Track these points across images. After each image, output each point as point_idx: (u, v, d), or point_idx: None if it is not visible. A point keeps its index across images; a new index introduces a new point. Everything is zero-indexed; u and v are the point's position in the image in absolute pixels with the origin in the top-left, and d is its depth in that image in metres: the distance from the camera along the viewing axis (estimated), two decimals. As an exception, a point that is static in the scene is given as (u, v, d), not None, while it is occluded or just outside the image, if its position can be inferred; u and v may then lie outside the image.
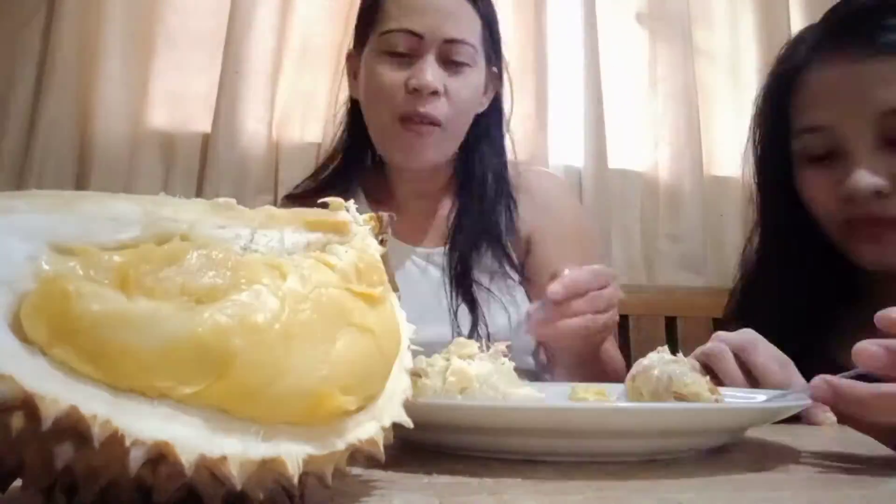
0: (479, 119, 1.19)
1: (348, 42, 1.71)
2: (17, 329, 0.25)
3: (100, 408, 0.25)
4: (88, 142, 1.62)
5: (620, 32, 1.85)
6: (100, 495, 0.26)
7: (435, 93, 1.08)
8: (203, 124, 1.67)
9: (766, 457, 0.50)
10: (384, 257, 0.38)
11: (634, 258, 1.77)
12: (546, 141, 1.74)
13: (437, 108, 1.09)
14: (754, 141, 1.01)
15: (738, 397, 0.60)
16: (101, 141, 1.61)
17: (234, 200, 0.35)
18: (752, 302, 0.99)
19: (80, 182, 1.60)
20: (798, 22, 1.83)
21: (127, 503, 0.27)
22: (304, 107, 1.72)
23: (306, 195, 1.24)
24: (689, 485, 0.40)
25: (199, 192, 1.64)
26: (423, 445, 0.47)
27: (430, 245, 1.20)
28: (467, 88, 1.13)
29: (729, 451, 0.50)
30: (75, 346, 0.26)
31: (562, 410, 0.47)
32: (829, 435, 0.62)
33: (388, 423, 0.33)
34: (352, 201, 0.40)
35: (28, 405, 0.24)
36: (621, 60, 1.84)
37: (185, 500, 0.27)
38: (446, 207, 1.21)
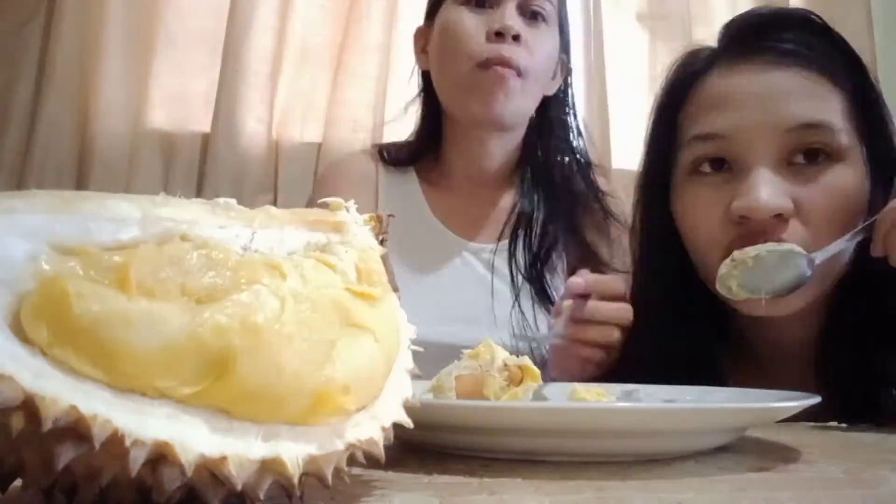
0: (548, 104, 1.17)
1: (348, 42, 1.72)
2: (18, 329, 0.25)
3: (100, 408, 0.25)
4: (88, 142, 1.62)
5: (621, 32, 1.85)
6: (100, 495, 0.26)
7: (517, 38, 1.07)
8: (203, 124, 1.67)
9: (766, 457, 0.50)
10: (384, 257, 0.38)
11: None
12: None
13: (518, 55, 1.07)
14: (644, 162, 0.90)
15: (738, 397, 0.60)
16: (101, 141, 1.61)
17: (234, 200, 0.35)
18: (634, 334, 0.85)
19: (80, 182, 1.60)
20: (798, 22, 1.84)
21: (127, 503, 0.27)
22: (304, 107, 1.72)
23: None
24: (689, 485, 0.40)
25: (199, 192, 1.64)
26: (423, 445, 0.47)
27: (485, 240, 1.15)
28: (545, 43, 1.12)
29: (729, 451, 0.50)
30: (75, 346, 0.25)
31: (562, 410, 0.47)
32: (829, 435, 0.62)
33: (388, 423, 0.33)
34: (352, 201, 0.40)
35: (28, 405, 0.24)
36: (622, 60, 1.84)
37: (185, 501, 0.27)
38: (504, 201, 1.17)
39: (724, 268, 0.72)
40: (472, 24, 1.09)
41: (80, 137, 1.62)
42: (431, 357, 1.18)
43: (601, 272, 1.02)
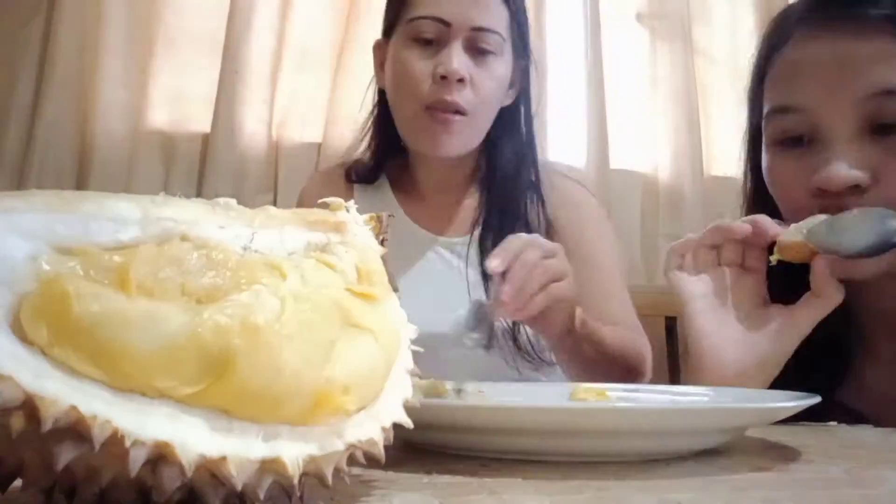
0: (504, 112, 1.20)
1: (348, 42, 1.72)
2: (18, 329, 0.25)
3: (100, 408, 0.25)
4: (88, 142, 1.62)
5: (621, 32, 1.85)
6: (100, 496, 0.26)
7: (462, 80, 1.09)
8: (203, 124, 1.67)
9: (766, 457, 0.50)
10: (384, 257, 0.38)
11: (634, 258, 1.77)
12: (547, 141, 1.74)
13: (463, 97, 1.10)
14: (746, 128, 0.91)
15: (738, 397, 0.60)
16: (101, 141, 1.61)
17: (234, 200, 0.35)
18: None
19: (80, 182, 1.60)
20: (798, 22, 1.84)
21: (127, 503, 0.27)
22: (303, 107, 1.72)
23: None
24: (689, 485, 0.39)
25: (199, 192, 1.64)
26: (423, 445, 0.47)
27: (454, 235, 1.21)
28: (493, 79, 1.13)
29: (729, 451, 0.50)
30: (75, 346, 0.25)
31: (562, 410, 0.47)
32: (830, 435, 0.62)
33: (388, 423, 0.33)
34: (352, 201, 0.40)
35: (28, 406, 0.24)
36: (621, 60, 1.84)
37: (185, 501, 0.27)
38: (470, 198, 1.22)
39: (806, 223, 0.72)
40: (418, 66, 1.11)
41: (80, 137, 1.62)
42: (426, 345, 1.20)
43: None
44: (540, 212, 1.19)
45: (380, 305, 0.34)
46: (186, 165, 1.67)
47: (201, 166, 1.67)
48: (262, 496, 0.28)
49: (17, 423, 0.24)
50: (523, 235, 0.96)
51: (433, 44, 1.11)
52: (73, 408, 0.24)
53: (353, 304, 0.32)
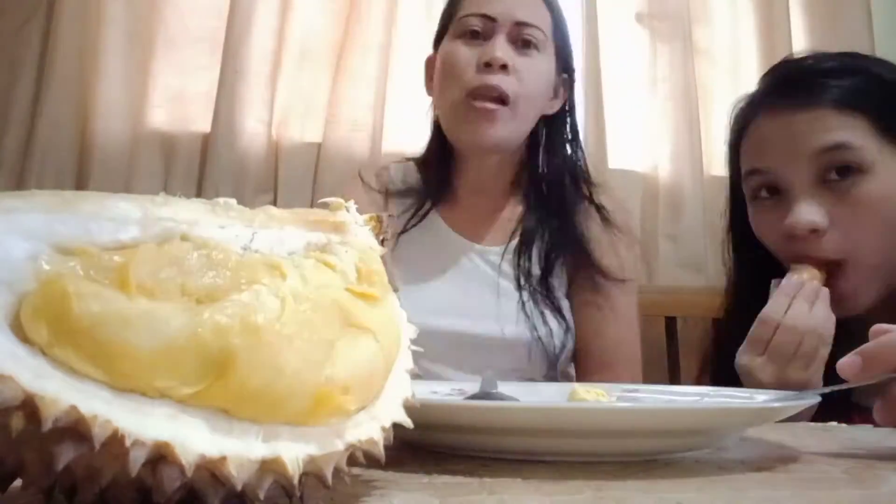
0: (549, 122, 1.23)
1: (348, 42, 1.72)
2: (18, 329, 0.25)
3: (100, 408, 0.25)
4: (88, 142, 1.62)
5: (620, 32, 1.84)
6: (100, 496, 0.26)
7: (504, 67, 1.13)
8: (203, 124, 1.67)
9: (766, 457, 0.50)
10: (384, 257, 0.38)
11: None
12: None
13: (505, 83, 1.13)
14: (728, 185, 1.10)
15: (738, 397, 0.60)
16: (101, 141, 1.61)
17: (234, 200, 0.35)
18: (731, 336, 0.99)
19: (80, 182, 1.60)
20: (798, 22, 1.83)
21: (127, 503, 0.27)
22: (304, 107, 1.72)
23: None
24: (689, 485, 0.39)
25: (199, 192, 1.64)
26: (423, 445, 0.47)
27: (490, 244, 1.22)
28: (535, 70, 1.17)
29: (729, 451, 0.50)
30: (75, 346, 0.26)
31: (562, 410, 0.47)
32: (830, 435, 0.62)
33: (387, 423, 0.33)
34: (352, 201, 0.40)
35: (28, 405, 0.24)
36: (621, 60, 1.83)
37: (185, 501, 0.27)
38: (509, 210, 1.24)
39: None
40: (465, 56, 1.16)
41: (80, 137, 1.62)
42: (441, 344, 1.22)
43: (596, 277, 1.16)
44: (594, 225, 1.21)
45: (380, 305, 0.34)
46: (186, 165, 1.67)
47: (201, 166, 1.67)
48: (262, 496, 0.28)
49: (17, 423, 0.24)
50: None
51: (479, 37, 1.17)
52: (74, 407, 0.24)
53: (354, 305, 0.33)
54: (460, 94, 1.14)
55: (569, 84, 1.26)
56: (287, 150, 1.70)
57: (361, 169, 1.34)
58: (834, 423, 0.68)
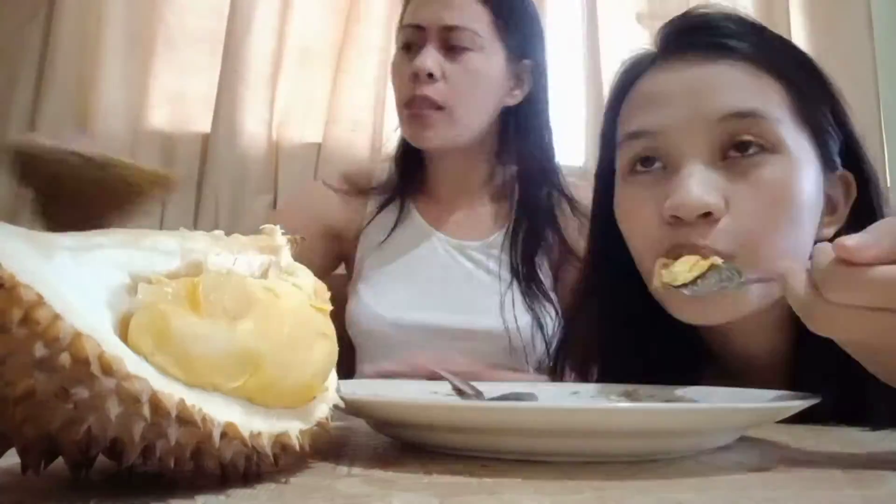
0: (512, 113, 1.23)
1: (348, 42, 1.72)
2: (122, 339, 0.33)
3: (192, 399, 0.33)
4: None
5: (620, 32, 1.85)
6: (191, 461, 0.34)
7: (431, 76, 1.15)
8: (203, 124, 1.67)
9: (766, 457, 0.50)
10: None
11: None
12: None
13: (435, 91, 1.16)
14: (595, 170, 0.86)
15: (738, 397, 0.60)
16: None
17: (221, 232, 0.41)
18: (575, 335, 0.88)
19: (80, 182, 1.60)
20: (798, 21, 1.83)
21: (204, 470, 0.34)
22: (304, 107, 1.73)
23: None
24: (689, 485, 0.40)
25: (199, 192, 1.64)
26: (423, 445, 0.47)
27: (469, 239, 1.24)
28: (468, 72, 1.17)
29: (729, 451, 0.50)
30: (170, 354, 0.33)
31: (562, 410, 0.47)
32: (829, 435, 0.62)
33: (331, 404, 0.43)
34: (279, 226, 0.45)
35: (154, 400, 0.31)
36: (621, 60, 1.84)
37: (227, 466, 0.35)
38: (487, 205, 1.26)
39: (656, 280, 0.67)
40: (399, 68, 1.20)
41: (80, 137, 1.62)
42: (420, 338, 1.24)
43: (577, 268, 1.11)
44: (567, 215, 1.22)
45: (329, 316, 0.43)
46: (186, 165, 1.67)
47: (201, 166, 1.67)
48: (278, 463, 0.37)
49: (147, 412, 0.31)
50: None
51: (412, 48, 1.19)
52: (182, 401, 0.32)
53: (316, 317, 0.42)
54: (400, 105, 1.19)
55: (534, 70, 1.24)
56: (287, 150, 1.70)
57: (324, 177, 1.37)
58: (834, 423, 0.68)
